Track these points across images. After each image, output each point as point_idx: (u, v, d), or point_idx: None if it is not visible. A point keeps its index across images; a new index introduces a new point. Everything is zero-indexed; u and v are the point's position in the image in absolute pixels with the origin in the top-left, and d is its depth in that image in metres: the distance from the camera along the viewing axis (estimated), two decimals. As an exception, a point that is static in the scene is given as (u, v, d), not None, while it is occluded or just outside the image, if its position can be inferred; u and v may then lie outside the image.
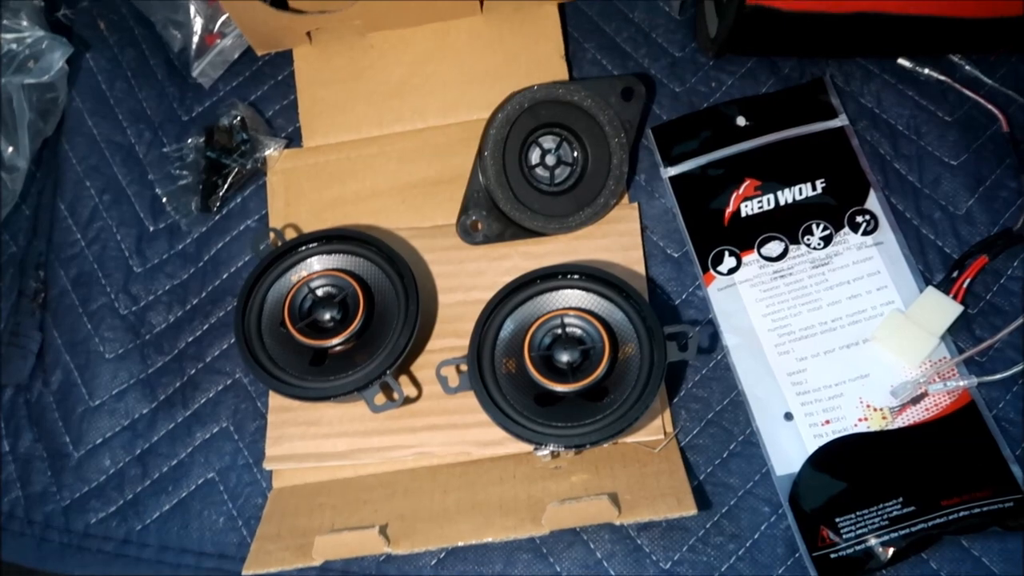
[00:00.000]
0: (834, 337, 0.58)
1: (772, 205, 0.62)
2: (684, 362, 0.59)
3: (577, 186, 0.62)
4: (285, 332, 0.56)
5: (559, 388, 0.52)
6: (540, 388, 0.53)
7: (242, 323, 0.56)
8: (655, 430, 0.57)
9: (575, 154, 0.62)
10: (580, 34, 0.71)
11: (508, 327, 0.55)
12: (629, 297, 0.55)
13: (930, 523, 0.52)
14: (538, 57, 0.68)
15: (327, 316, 0.56)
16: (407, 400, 0.57)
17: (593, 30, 0.71)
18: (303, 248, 0.59)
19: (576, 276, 0.56)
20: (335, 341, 0.56)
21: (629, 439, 0.57)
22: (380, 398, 0.55)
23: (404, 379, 0.60)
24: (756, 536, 0.55)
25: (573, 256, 0.62)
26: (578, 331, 0.54)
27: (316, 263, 0.59)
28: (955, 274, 0.59)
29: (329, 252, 0.59)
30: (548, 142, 0.62)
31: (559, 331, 0.54)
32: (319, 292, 0.57)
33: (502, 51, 0.69)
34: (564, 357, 0.53)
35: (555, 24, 0.69)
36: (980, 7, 0.59)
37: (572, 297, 0.55)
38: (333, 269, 0.58)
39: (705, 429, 0.58)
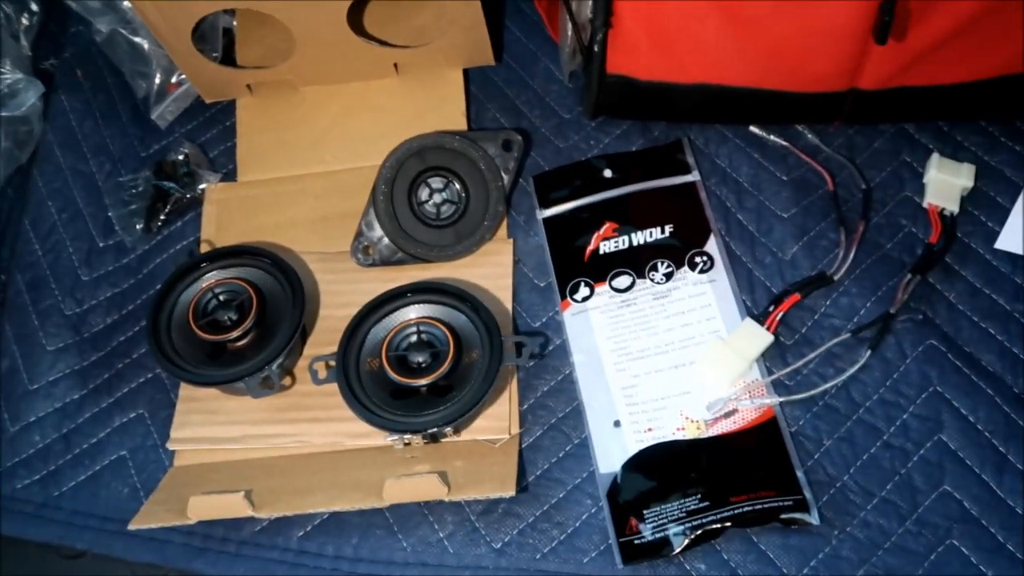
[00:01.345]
0: (665, 359, 0.67)
1: (626, 245, 0.72)
2: (535, 373, 0.68)
3: (459, 221, 0.72)
4: (189, 329, 0.66)
5: (409, 382, 0.61)
6: (395, 384, 0.62)
7: (154, 320, 0.66)
8: (503, 430, 0.66)
9: (459, 194, 0.72)
10: (485, 96, 0.82)
11: (374, 331, 0.64)
12: (478, 311, 0.64)
13: (719, 515, 0.60)
14: (443, 114, 0.79)
15: (225, 316, 0.66)
16: (283, 388, 0.67)
17: (497, 93, 0.82)
18: (213, 260, 0.69)
19: (438, 291, 0.65)
20: (229, 336, 0.65)
21: (478, 436, 0.65)
22: (262, 386, 0.65)
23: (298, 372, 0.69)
24: (577, 524, 0.63)
25: (452, 281, 0.72)
26: (430, 337, 0.63)
27: (221, 273, 0.69)
28: (771, 307, 0.67)
29: (234, 264, 0.69)
30: (436, 182, 0.73)
31: (415, 336, 0.64)
32: (220, 296, 0.67)
33: (412, 108, 0.80)
34: (417, 358, 0.63)
35: (459, 87, 0.80)
36: (803, 83, 0.69)
37: (431, 309, 0.65)
38: (234, 278, 0.68)
39: (547, 433, 0.66)
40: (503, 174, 0.73)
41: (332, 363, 0.64)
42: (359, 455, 0.66)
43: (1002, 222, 0.69)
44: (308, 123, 0.81)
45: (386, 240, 0.72)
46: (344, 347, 0.63)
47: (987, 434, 0.62)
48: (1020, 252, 0.68)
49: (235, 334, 0.66)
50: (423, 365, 0.63)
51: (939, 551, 0.59)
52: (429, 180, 0.73)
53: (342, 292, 0.73)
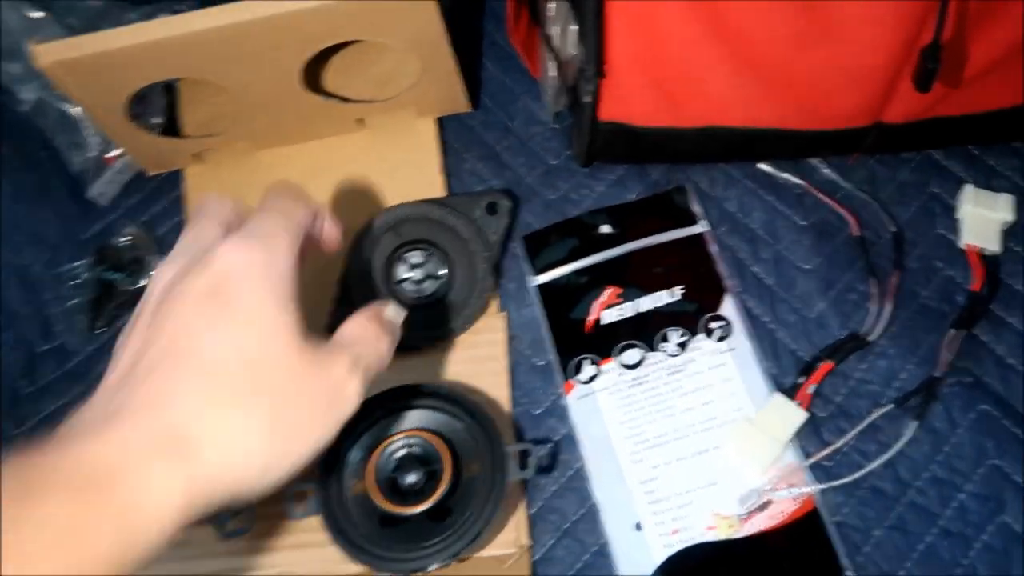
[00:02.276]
0: (687, 444, 0.60)
1: (632, 312, 0.64)
2: (543, 473, 0.60)
3: (445, 299, 0.64)
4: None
5: (401, 512, 0.54)
6: (384, 512, 0.54)
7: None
8: (510, 543, 0.58)
9: (442, 269, 0.64)
10: (460, 145, 0.73)
11: (356, 452, 0.56)
12: (475, 415, 0.56)
13: (766, 636, 0.53)
14: (416, 170, 0.71)
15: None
16: (256, 533, 0.59)
17: (473, 141, 0.73)
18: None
19: (426, 395, 0.57)
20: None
21: (483, 553, 0.58)
22: (232, 524, 0.57)
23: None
24: (605, 649, 0.56)
25: (441, 368, 0.64)
26: (422, 452, 0.56)
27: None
28: (801, 379, 0.60)
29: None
30: (416, 257, 0.65)
31: (404, 452, 0.56)
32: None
33: (382, 167, 0.71)
34: (408, 479, 0.55)
35: (432, 138, 0.72)
36: (821, 121, 0.61)
37: (419, 417, 0.57)
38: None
39: (560, 541, 0.59)
40: (490, 241, 0.65)
41: (311, 491, 0.56)
42: (353, 583, 0.58)
43: (1049, 260, 0.62)
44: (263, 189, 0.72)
45: (363, 328, 0.63)
46: (325, 471, 0.56)
47: (1055, 513, 0.55)
48: (1073, 295, 0.60)
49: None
50: (416, 487, 0.55)
51: (1014, 656, 0.52)
52: (406, 255, 0.65)
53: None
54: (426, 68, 0.64)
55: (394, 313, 0.49)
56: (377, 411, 0.57)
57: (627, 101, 0.61)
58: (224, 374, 0.39)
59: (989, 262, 0.62)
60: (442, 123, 0.73)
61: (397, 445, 0.56)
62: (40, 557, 0.31)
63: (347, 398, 0.43)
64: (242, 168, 0.73)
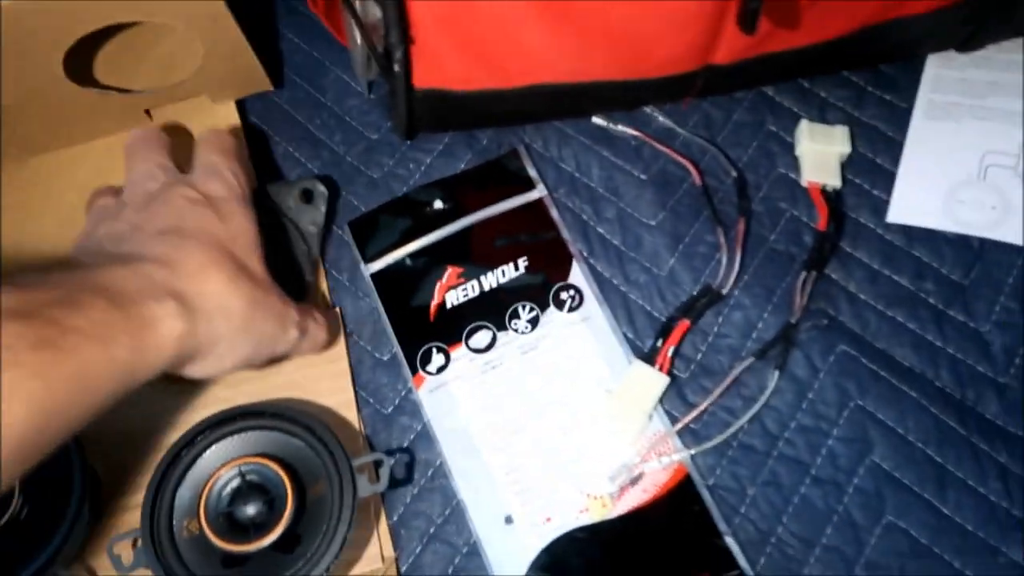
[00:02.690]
0: (549, 426, 0.56)
1: (477, 292, 0.59)
2: (399, 485, 0.55)
3: None
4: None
5: (244, 549, 0.48)
6: (224, 552, 0.48)
7: None
8: (374, 559, 0.53)
9: None
10: (269, 126, 0.67)
11: (185, 488, 0.50)
12: (313, 430, 0.51)
13: (652, 618, 0.50)
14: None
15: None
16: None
17: (283, 121, 0.67)
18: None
19: (253, 415, 0.51)
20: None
21: (348, 574, 0.53)
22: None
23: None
24: (487, 657, 0.52)
25: (276, 376, 0.58)
26: (258, 479, 0.50)
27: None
28: (659, 342, 0.57)
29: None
30: None
31: (239, 483, 0.50)
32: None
33: (180, 160, 0.63)
34: (247, 511, 0.49)
35: (234, 124, 0.64)
36: (649, 69, 0.58)
37: (251, 441, 0.51)
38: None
39: (428, 546, 0.55)
40: (308, 232, 0.59)
41: (138, 540, 0.49)
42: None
43: (887, 188, 0.61)
44: (48, 200, 0.63)
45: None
46: (149, 516, 0.49)
47: (920, 445, 0.54)
48: (914, 223, 0.60)
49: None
50: (257, 520, 0.49)
51: (897, 596, 0.51)
52: None
53: (130, 419, 0.57)
54: (210, 46, 0.57)
55: None
56: (201, 440, 0.51)
57: (441, 65, 0.56)
58: (220, 260, 0.47)
59: (832, 198, 0.60)
60: (244, 105, 0.66)
61: (228, 476, 0.50)
62: (85, 348, 0.38)
63: (289, 338, 0.51)
64: (13, 179, 0.63)
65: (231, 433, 0.51)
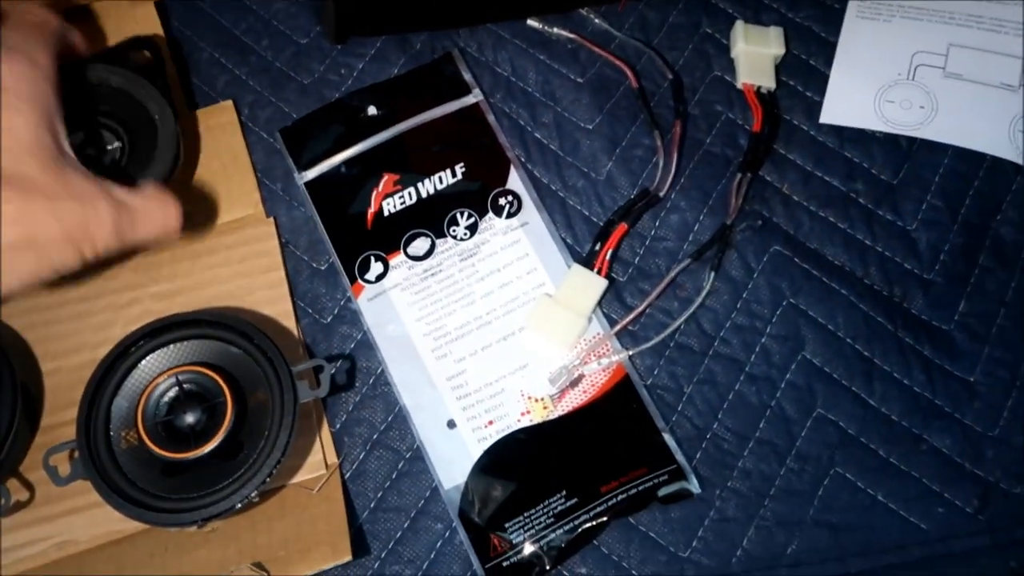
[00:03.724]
0: (490, 331, 0.56)
1: (414, 199, 0.59)
2: (342, 391, 0.55)
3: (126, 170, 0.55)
4: None
5: (183, 456, 0.47)
6: (165, 459, 0.48)
7: None
8: (317, 466, 0.54)
9: (114, 142, 0.55)
10: (193, 31, 0.64)
11: (121, 398, 0.49)
12: (251, 338, 0.50)
13: (592, 513, 0.51)
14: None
15: None
16: (18, 504, 0.51)
17: (207, 25, 0.64)
18: None
19: (189, 324, 0.50)
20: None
21: (290, 481, 0.53)
22: (-15, 508, 0.49)
23: (24, 467, 0.53)
24: (432, 556, 0.53)
25: (211, 288, 0.57)
26: (196, 387, 0.49)
27: None
28: (598, 246, 0.57)
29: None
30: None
31: (175, 392, 0.49)
32: None
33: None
34: (187, 420, 0.49)
35: (155, 27, 0.62)
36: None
37: (188, 350, 0.50)
38: None
39: (371, 452, 0.55)
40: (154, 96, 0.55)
41: (75, 452, 0.48)
42: (144, 542, 0.52)
43: (820, 91, 0.62)
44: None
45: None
46: (85, 427, 0.48)
47: (849, 340, 0.56)
48: (846, 124, 0.60)
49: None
50: (197, 428, 0.48)
51: (825, 484, 0.53)
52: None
53: (57, 336, 0.56)
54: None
55: None
56: (135, 350, 0.50)
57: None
58: None
59: (766, 100, 0.61)
60: (165, 8, 0.63)
61: (166, 385, 0.49)
62: None
63: (103, 220, 0.45)
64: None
65: (167, 343, 0.50)
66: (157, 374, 0.49)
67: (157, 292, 0.57)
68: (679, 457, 0.53)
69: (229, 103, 0.61)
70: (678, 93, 0.61)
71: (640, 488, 0.52)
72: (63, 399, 0.55)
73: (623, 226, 0.57)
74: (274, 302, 0.57)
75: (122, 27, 0.61)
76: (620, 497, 0.52)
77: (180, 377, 0.49)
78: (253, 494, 0.47)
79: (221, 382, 0.49)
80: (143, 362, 0.50)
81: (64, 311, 0.56)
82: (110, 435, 0.49)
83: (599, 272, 0.56)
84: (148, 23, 0.62)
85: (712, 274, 0.56)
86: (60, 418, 0.54)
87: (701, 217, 0.59)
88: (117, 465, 0.48)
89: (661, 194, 0.58)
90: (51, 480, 0.48)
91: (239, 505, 0.47)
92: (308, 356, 0.56)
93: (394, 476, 0.54)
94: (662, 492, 0.52)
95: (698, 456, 0.54)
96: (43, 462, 0.49)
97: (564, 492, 0.52)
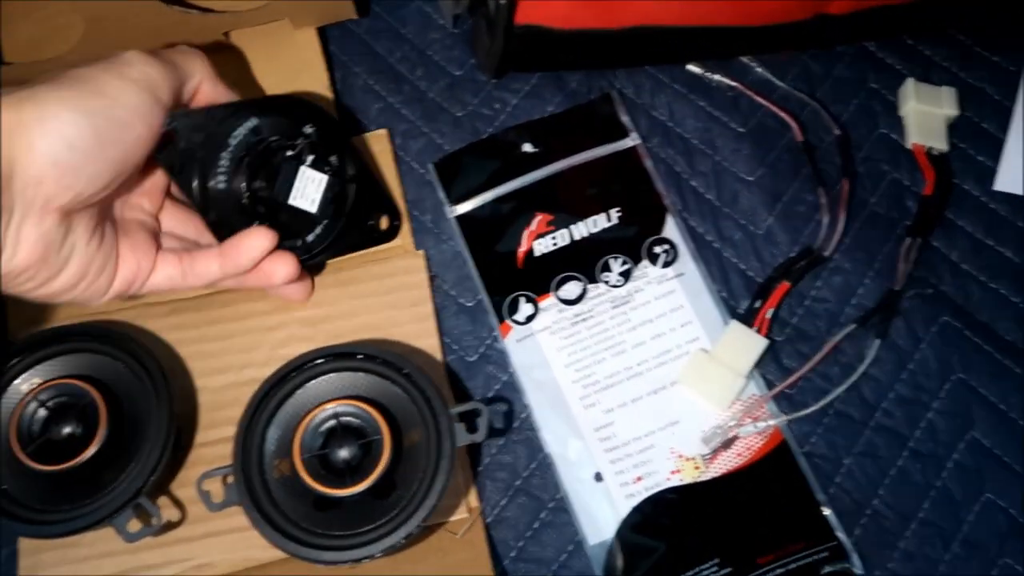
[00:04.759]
0: (641, 383, 0.54)
1: (567, 241, 0.57)
2: (496, 436, 0.54)
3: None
4: (15, 459, 0.48)
5: (337, 493, 0.46)
6: (318, 493, 0.47)
7: (-38, 454, 0.48)
8: (460, 509, 0.52)
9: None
10: (348, 58, 0.64)
11: (274, 429, 0.48)
12: (410, 376, 0.49)
13: (748, 585, 0.49)
14: (300, 90, 0.61)
15: (64, 433, 0.48)
16: (169, 525, 0.50)
17: (363, 52, 0.64)
18: (27, 354, 0.50)
19: (349, 356, 0.49)
20: (75, 463, 0.48)
21: (434, 523, 0.51)
22: (135, 524, 0.48)
23: (174, 486, 0.52)
24: (573, 616, 0.51)
25: (357, 318, 0.56)
26: (355, 422, 0.48)
27: (45, 370, 0.50)
28: (758, 304, 0.55)
29: (60, 354, 0.51)
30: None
31: (333, 424, 0.48)
32: (51, 404, 0.49)
33: (258, 87, 0.61)
34: (342, 454, 0.47)
35: (316, 51, 0.61)
36: (760, 15, 0.55)
37: (345, 382, 0.49)
38: (66, 376, 0.50)
39: (513, 499, 0.53)
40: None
41: (227, 477, 0.48)
42: (282, 573, 0.51)
43: (994, 155, 0.59)
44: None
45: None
46: (242, 453, 0.47)
47: (1022, 423, 0.53)
48: (1021, 192, 0.58)
49: (84, 457, 0.48)
50: (352, 464, 0.47)
51: (993, 575, 0.50)
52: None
53: (207, 354, 0.55)
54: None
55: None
56: (291, 379, 0.49)
57: (547, 1, 0.53)
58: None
59: (938, 162, 0.58)
60: (324, 34, 0.63)
61: (324, 416, 0.48)
62: None
63: (150, 71, 0.46)
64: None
65: (324, 372, 0.49)
66: (315, 405, 0.48)
67: (303, 317, 0.56)
68: (840, 534, 0.50)
69: (383, 132, 0.60)
70: (845, 150, 0.59)
71: (799, 564, 0.49)
72: (205, 419, 0.54)
73: (785, 284, 0.55)
74: (422, 336, 0.56)
75: (281, 55, 0.61)
76: (778, 572, 0.49)
77: (338, 410, 0.48)
78: (408, 536, 0.45)
79: (379, 418, 0.47)
80: (299, 391, 0.49)
81: (212, 330, 0.56)
82: (263, 463, 0.48)
83: (759, 331, 0.54)
84: (309, 49, 0.61)
85: (877, 341, 0.54)
86: (202, 438, 0.54)
87: (866, 280, 0.56)
88: (270, 494, 0.47)
89: (826, 253, 0.56)
90: (204, 505, 0.48)
91: (393, 545, 0.45)
92: (452, 393, 0.54)
93: (536, 526, 0.53)
94: (824, 570, 0.49)
95: (856, 533, 0.51)
96: (196, 486, 0.48)
97: (718, 560, 0.50)
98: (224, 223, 0.51)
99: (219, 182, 0.51)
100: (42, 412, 0.49)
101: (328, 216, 0.53)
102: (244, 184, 0.51)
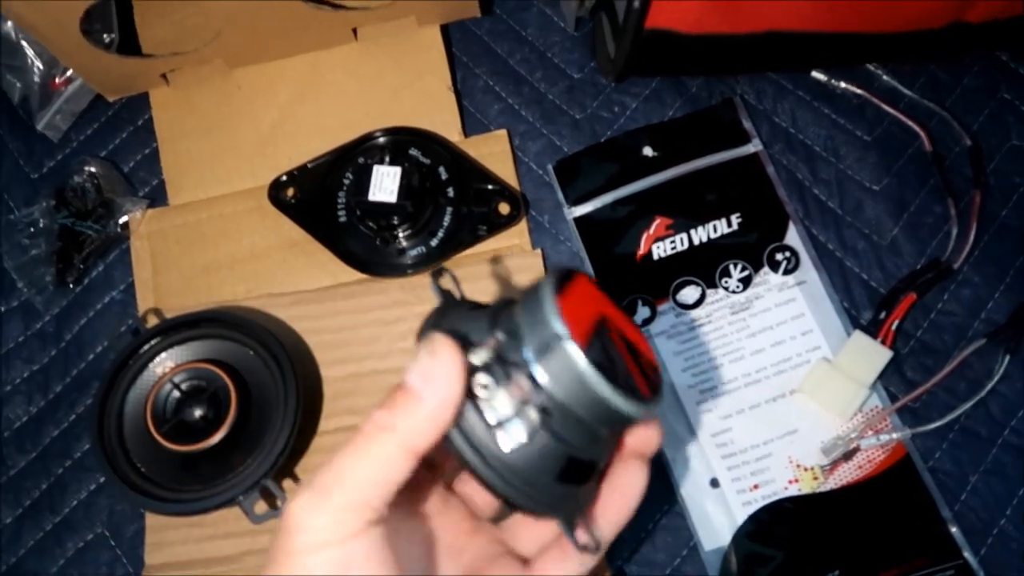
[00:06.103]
0: (759, 391, 0.54)
1: (686, 245, 0.57)
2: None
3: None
4: (150, 438, 0.50)
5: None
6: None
7: (100, 431, 0.50)
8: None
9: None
10: (469, 58, 0.64)
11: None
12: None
13: (869, 599, 0.48)
14: (423, 90, 0.62)
15: (196, 415, 0.50)
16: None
17: (483, 52, 0.64)
18: (163, 337, 0.52)
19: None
20: (207, 444, 0.49)
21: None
22: (262, 506, 0.49)
23: (298, 470, 0.54)
24: (686, 620, 0.50)
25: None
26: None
27: (179, 353, 0.52)
28: (883, 315, 0.54)
29: (193, 339, 0.52)
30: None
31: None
32: (184, 387, 0.51)
33: (382, 84, 0.62)
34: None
35: (439, 50, 0.62)
36: (896, 23, 0.54)
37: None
38: (199, 360, 0.51)
39: (627, 501, 0.53)
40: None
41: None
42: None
43: None
44: (250, 116, 0.62)
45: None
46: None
47: None
48: None
49: (215, 439, 0.49)
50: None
51: None
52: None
53: (332, 344, 0.57)
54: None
55: None
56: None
57: (675, 5, 0.53)
58: None
59: (1074, 176, 0.57)
60: (447, 33, 0.64)
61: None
62: None
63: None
64: (217, 92, 0.63)
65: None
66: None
67: (423, 312, 0.57)
68: (967, 553, 0.49)
69: (503, 132, 0.61)
70: (976, 160, 0.57)
71: (924, 580, 0.48)
72: (328, 408, 0.55)
73: (912, 296, 0.54)
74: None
75: (405, 52, 0.62)
76: (901, 587, 0.48)
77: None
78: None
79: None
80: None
81: (335, 321, 0.57)
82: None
83: (883, 342, 0.53)
84: (432, 47, 0.62)
85: (1007, 357, 0.53)
86: (324, 426, 0.55)
87: (996, 295, 0.55)
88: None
89: (955, 266, 0.55)
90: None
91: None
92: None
93: (650, 527, 0.52)
94: (949, 588, 0.48)
95: (982, 553, 0.50)
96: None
97: (838, 572, 0.49)
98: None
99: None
100: (176, 394, 0.51)
101: (410, 198, 0.55)
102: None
